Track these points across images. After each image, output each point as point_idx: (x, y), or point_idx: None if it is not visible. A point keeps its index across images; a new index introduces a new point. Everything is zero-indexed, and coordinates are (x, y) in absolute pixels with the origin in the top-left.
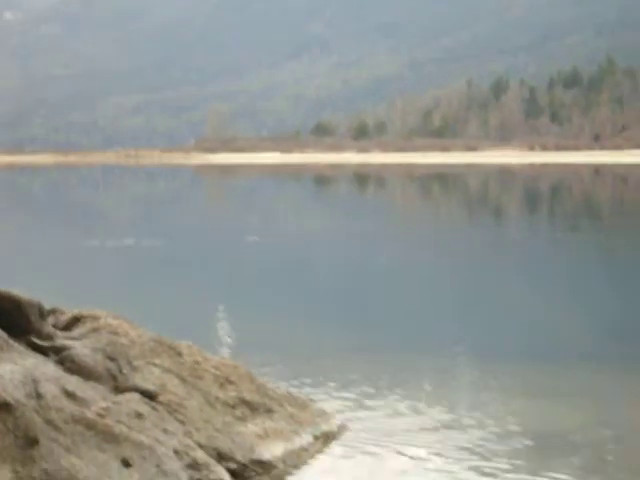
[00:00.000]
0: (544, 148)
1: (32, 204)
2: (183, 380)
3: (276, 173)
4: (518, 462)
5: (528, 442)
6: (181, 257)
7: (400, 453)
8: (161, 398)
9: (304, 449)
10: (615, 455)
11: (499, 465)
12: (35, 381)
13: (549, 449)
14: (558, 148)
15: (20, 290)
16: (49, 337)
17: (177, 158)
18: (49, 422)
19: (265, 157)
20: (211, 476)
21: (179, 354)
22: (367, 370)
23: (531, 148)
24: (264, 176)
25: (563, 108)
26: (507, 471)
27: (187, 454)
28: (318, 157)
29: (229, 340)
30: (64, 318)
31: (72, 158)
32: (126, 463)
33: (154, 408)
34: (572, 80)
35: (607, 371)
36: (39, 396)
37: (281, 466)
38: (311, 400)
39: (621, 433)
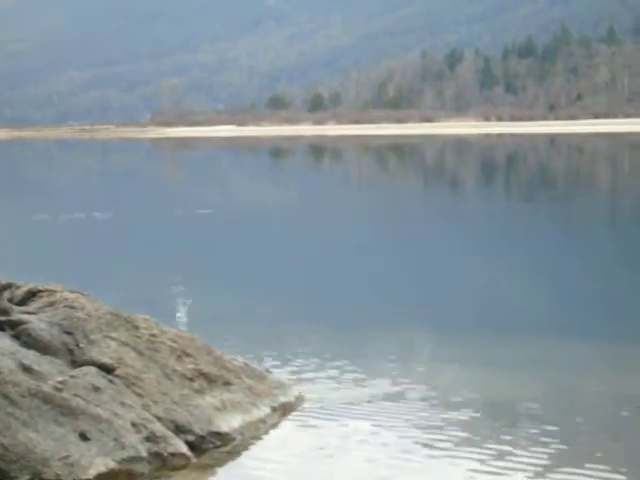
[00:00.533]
0: (499, 118)
1: None
2: (140, 353)
3: (232, 146)
4: (472, 433)
5: (484, 412)
6: (135, 230)
7: (357, 424)
8: (118, 371)
9: (262, 421)
10: (572, 423)
11: (453, 436)
12: None
13: (504, 419)
14: (513, 118)
15: None
16: (5, 312)
17: (133, 132)
18: (5, 396)
19: (221, 130)
20: (169, 449)
21: (136, 327)
22: (325, 342)
23: (487, 119)
24: (220, 149)
25: (518, 78)
26: (460, 442)
27: (145, 427)
28: (274, 130)
29: (185, 313)
30: (20, 292)
31: (26, 133)
32: (84, 437)
33: (111, 381)
34: (527, 50)
35: (563, 340)
36: None
37: (239, 438)
38: (269, 372)
39: (578, 402)
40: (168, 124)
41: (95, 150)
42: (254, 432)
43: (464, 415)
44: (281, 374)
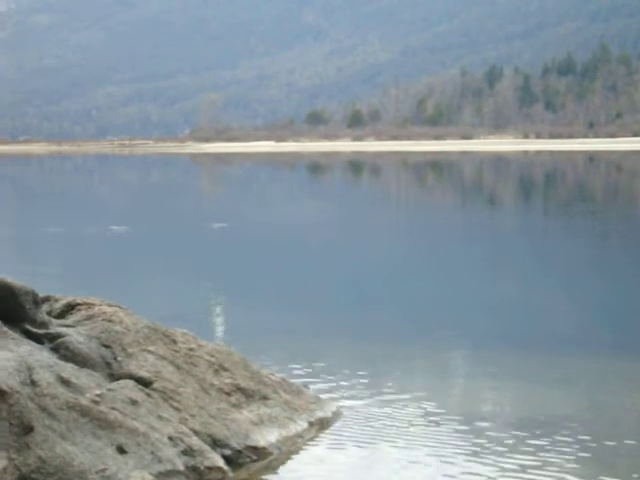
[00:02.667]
0: (538, 136)
1: (25, 193)
2: (178, 367)
3: (270, 162)
4: (511, 450)
5: (519, 428)
6: (171, 244)
7: (395, 441)
8: (156, 385)
9: (299, 435)
10: (610, 440)
11: (493, 454)
12: (30, 368)
13: (539, 437)
14: (552, 136)
15: (13, 277)
16: (43, 325)
17: (171, 147)
18: (44, 409)
19: (259, 146)
20: (206, 462)
21: (174, 341)
22: (363, 357)
23: (525, 136)
24: (259, 165)
25: (557, 96)
26: (501, 459)
27: (182, 441)
28: (312, 145)
29: (222, 327)
30: (58, 305)
31: (65, 148)
32: (121, 450)
33: (149, 395)
34: (566, 67)
35: (600, 357)
36: (34, 383)
37: (276, 452)
38: (306, 386)
39: (615, 419)
40: (207, 140)
41: (134, 165)
42: (291, 447)
43: (504, 432)
44: (318, 389)
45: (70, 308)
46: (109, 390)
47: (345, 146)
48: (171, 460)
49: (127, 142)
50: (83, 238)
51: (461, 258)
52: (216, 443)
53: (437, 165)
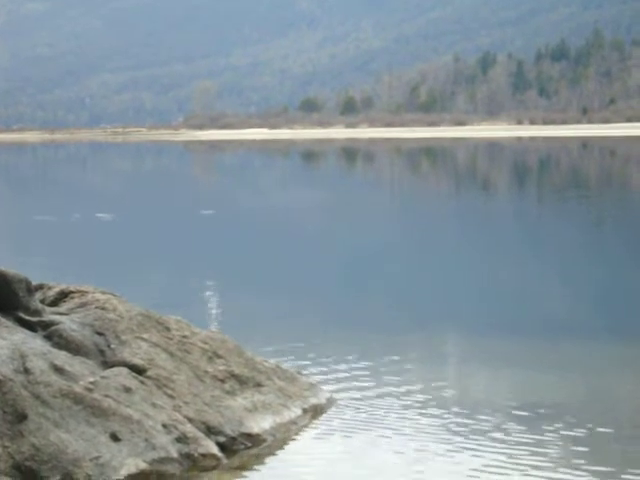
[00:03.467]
0: (532, 122)
1: (18, 181)
2: (171, 354)
3: (264, 149)
4: (507, 436)
5: (516, 413)
6: (164, 231)
7: (388, 428)
8: (149, 372)
9: (293, 422)
10: (605, 426)
11: (484, 441)
12: (23, 356)
13: (540, 421)
14: (546, 122)
15: (5, 266)
16: (37, 312)
17: (165, 135)
18: (37, 397)
19: (253, 133)
20: (200, 450)
21: (167, 329)
22: (356, 344)
23: (519, 122)
24: (252, 152)
25: (551, 82)
26: (496, 446)
27: (176, 428)
28: (306, 132)
29: (216, 314)
30: (51, 293)
31: (59, 136)
32: (115, 437)
33: (142, 382)
34: (559, 53)
35: (594, 343)
36: (27, 371)
37: (270, 439)
38: (300, 373)
39: (610, 404)
40: (200, 127)
41: (127, 153)
42: (285, 433)
43: (496, 419)
44: (312, 376)
45: (63, 296)
46: (103, 378)
47: (338, 133)
48: (165, 447)
49: (120, 130)
50: (74, 226)
51: (455, 245)
52: (210, 430)
53: (431, 152)
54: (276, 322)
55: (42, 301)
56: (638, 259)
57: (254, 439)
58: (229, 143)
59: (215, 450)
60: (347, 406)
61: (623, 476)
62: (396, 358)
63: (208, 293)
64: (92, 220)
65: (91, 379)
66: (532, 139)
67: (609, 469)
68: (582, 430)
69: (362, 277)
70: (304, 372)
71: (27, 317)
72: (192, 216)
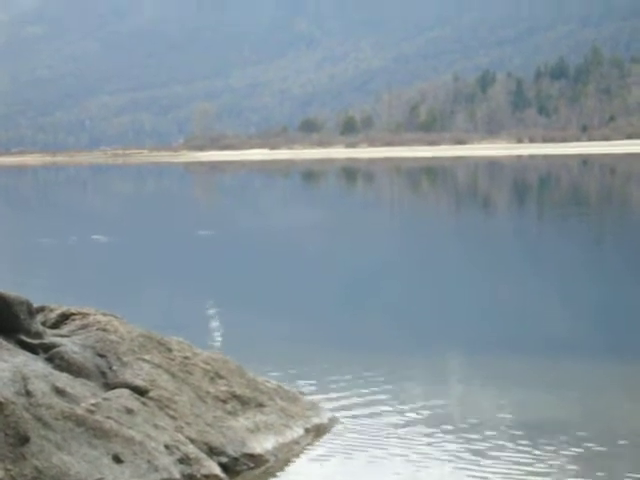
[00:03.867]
0: (532, 140)
1: (18, 204)
2: (173, 375)
3: (264, 169)
4: (507, 455)
5: (517, 433)
6: (165, 253)
7: (390, 447)
8: (151, 394)
9: (295, 442)
10: (604, 445)
11: (487, 461)
12: (25, 379)
13: (539, 441)
14: (546, 140)
15: (6, 288)
16: (38, 335)
17: (165, 157)
18: (39, 419)
19: (253, 154)
20: (202, 470)
21: (169, 349)
22: (358, 364)
23: (519, 140)
24: (253, 172)
25: (550, 100)
26: (496, 465)
27: (178, 449)
28: (306, 153)
29: (217, 335)
30: (53, 315)
31: (59, 158)
32: (117, 459)
33: (144, 404)
34: (559, 71)
35: (593, 361)
36: (29, 393)
37: (272, 459)
38: (302, 393)
39: (611, 423)
40: (200, 148)
41: (128, 175)
42: (287, 454)
43: (498, 439)
44: (314, 396)
45: (64, 318)
46: (104, 399)
47: (338, 153)
48: (167, 469)
49: (121, 152)
50: (74, 248)
51: (455, 263)
52: (212, 451)
53: (431, 171)
54: (277, 343)
55: (43, 323)
56: (637, 277)
57: (256, 459)
58: (229, 164)
59: (217, 471)
60: (349, 426)
61: None
62: (397, 378)
63: (208, 314)
64: (88, 242)
65: (93, 401)
66: (532, 157)
67: None
68: (580, 449)
69: (363, 297)
70: (306, 392)
71: (28, 339)
72: (189, 237)
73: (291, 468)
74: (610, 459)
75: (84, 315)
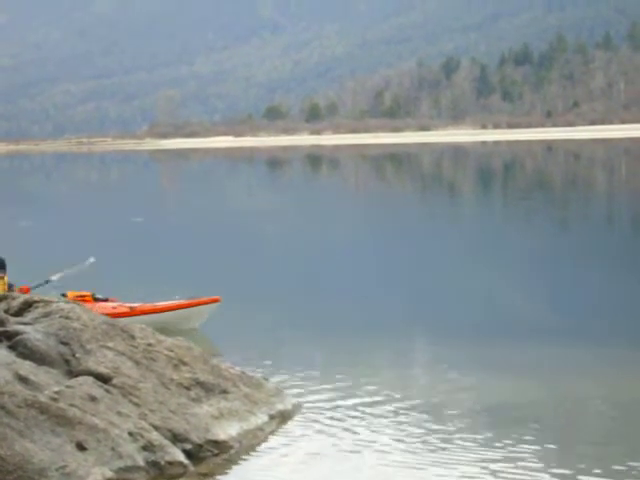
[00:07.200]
0: (496, 126)
1: None
2: (137, 362)
3: (229, 157)
4: (469, 438)
5: (481, 417)
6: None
7: (354, 432)
8: (115, 381)
9: (260, 428)
10: (570, 428)
11: (450, 441)
12: None
13: (502, 422)
14: (510, 126)
15: None
16: (1, 323)
17: (130, 144)
18: (2, 407)
19: (218, 141)
20: (166, 457)
21: (132, 337)
22: (322, 350)
23: (483, 126)
24: (217, 160)
25: (514, 86)
26: (461, 448)
27: (142, 436)
28: (271, 140)
29: None
30: (15, 303)
31: (23, 147)
32: (81, 446)
33: (108, 391)
34: (523, 58)
35: (557, 346)
36: None
37: (236, 446)
38: (266, 379)
39: (574, 407)
40: (165, 136)
41: (92, 163)
42: (252, 440)
43: (461, 420)
44: (278, 382)
45: (27, 306)
46: (68, 387)
47: (303, 140)
48: (131, 456)
49: (85, 140)
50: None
51: (419, 248)
52: (176, 438)
53: (396, 157)
54: (241, 329)
55: (6, 311)
56: (599, 261)
57: (221, 446)
58: (194, 151)
59: (182, 458)
60: (313, 411)
61: (585, 477)
62: (362, 362)
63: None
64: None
65: (56, 388)
66: (496, 143)
67: (571, 471)
68: (546, 432)
69: (327, 283)
70: (270, 378)
71: None
72: (125, 223)
73: (255, 454)
74: (574, 442)
75: (47, 303)
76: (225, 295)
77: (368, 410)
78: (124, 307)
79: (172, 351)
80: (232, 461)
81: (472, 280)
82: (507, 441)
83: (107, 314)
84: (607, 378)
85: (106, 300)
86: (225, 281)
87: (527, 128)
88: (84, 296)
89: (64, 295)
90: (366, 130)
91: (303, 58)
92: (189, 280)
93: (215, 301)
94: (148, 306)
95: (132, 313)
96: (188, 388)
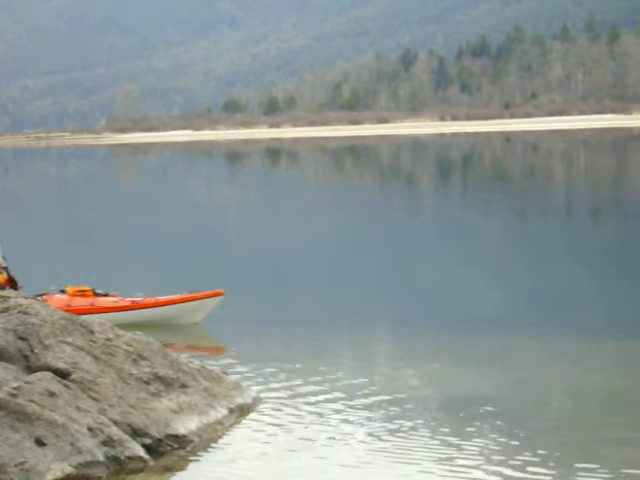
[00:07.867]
0: (455, 118)
1: None
2: (96, 357)
3: (188, 151)
4: (435, 429)
5: (444, 408)
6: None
7: (314, 426)
8: (74, 376)
9: (219, 422)
10: (532, 417)
11: (417, 433)
12: None
13: (462, 414)
14: (469, 117)
15: None
16: None
17: (88, 139)
18: None
19: (176, 135)
20: (126, 452)
21: (91, 332)
22: (282, 342)
23: (442, 118)
24: (176, 154)
25: (472, 77)
26: (425, 439)
27: (101, 431)
28: (230, 133)
29: None
30: None
31: None
32: (40, 442)
33: (67, 386)
34: (480, 49)
35: (520, 336)
36: None
37: (196, 440)
38: (225, 373)
39: (537, 396)
40: (123, 130)
41: (51, 158)
42: (211, 434)
43: (424, 412)
44: (238, 376)
45: None
46: (27, 383)
47: (262, 133)
48: (91, 451)
49: (44, 135)
50: None
51: (379, 240)
52: (136, 432)
53: (355, 150)
54: (200, 322)
55: None
56: (558, 251)
57: (180, 440)
58: (153, 145)
59: (141, 452)
60: (273, 405)
61: (551, 464)
62: (323, 355)
63: (129, 289)
64: None
65: (15, 384)
66: (455, 135)
67: (537, 459)
68: (509, 421)
69: (286, 274)
70: (229, 372)
71: None
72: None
73: (215, 448)
74: (536, 431)
75: (5, 298)
76: (180, 287)
77: (328, 404)
78: (126, 301)
79: (131, 346)
80: (192, 455)
81: (433, 271)
82: (468, 431)
83: (109, 308)
84: (571, 368)
85: (107, 295)
86: (180, 274)
87: (485, 120)
88: (85, 291)
89: (63, 290)
90: (325, 123)
91: (261, 51)
92: (159, 274)
93: (218, 294)
94: (150, 300)
95: (134, 307)
96: (147, 382)
